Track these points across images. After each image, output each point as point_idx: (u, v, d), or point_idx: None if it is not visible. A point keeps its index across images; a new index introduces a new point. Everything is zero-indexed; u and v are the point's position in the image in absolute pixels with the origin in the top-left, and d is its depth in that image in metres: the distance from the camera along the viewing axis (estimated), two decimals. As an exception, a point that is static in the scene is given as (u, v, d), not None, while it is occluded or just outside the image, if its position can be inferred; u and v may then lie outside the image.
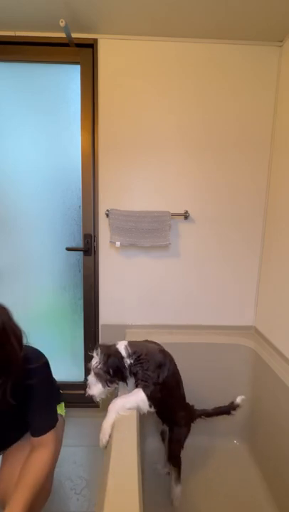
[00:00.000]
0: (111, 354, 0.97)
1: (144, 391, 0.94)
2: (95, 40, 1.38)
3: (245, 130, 1.44)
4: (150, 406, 0.94)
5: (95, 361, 0.96)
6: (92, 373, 0.97)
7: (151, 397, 0.95)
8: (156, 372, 0.99)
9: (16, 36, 1.38)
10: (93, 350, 1.00)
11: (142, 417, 0.99)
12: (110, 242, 1.46)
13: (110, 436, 0.86)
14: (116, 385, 1.00)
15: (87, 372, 0.98)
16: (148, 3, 1.17)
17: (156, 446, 1.39)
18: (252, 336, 1.54)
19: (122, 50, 1.38)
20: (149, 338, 1.15)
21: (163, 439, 1.27)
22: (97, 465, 1.36)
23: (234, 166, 1.47)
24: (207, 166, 1.47)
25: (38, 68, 1.45)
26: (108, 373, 0.95)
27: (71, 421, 1.63)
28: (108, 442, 0.87)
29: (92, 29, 1.34)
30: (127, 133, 1.43)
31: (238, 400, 1.18)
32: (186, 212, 1.47)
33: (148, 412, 0.95)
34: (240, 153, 1.46)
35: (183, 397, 1.17)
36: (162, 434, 1.27)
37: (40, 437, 0.87)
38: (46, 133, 1.50)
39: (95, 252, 1.55)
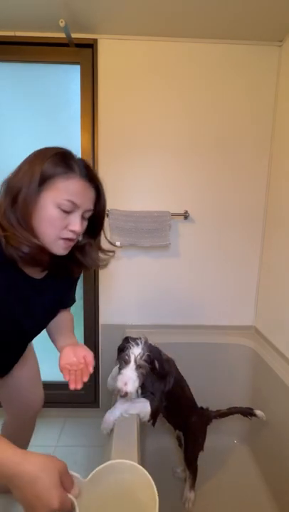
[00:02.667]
0: (151, 344, 0.86)
1: (150, 405, 0.91)
2: (95, 41, 1.37)
3: (245, 130, 1.44)
4: (148, 421, 0.92)
5: (138, 352, 0.82)
6: (131, 366, 0.82)
7: (153, 413, 0.92)
8: (162, 383, 0.96)
9: (15, 36, 1.38)
10: (128, 341, 0.87)
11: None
12: (110, 242, 1.46)
13: (111, 434, 0.86)
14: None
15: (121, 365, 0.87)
16: (148, 4, 1.16)
17: (170, 448, 1.39)
18: (252, 335, 1.54)
19: (122, 50, 1.38)
20: (149, 338, 1.14)
21: (179, 445, 1.25)
22: (97, 465, 1.36)
23: (234, 166, 1.47)
24: (207, 166, 1.47)
25: (38, 68, 1.45)
26: (153, 366, 0.82)
27: (71, 421, 1.63)
28: (110, 434, 0.87)
29: (91, 29, 1.34)
30: (127, 133, 1.43)
31: (258, 412, 1.19)
32: (186, 212, 1.47)
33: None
34: (240, 154, 1.46)
35: (192, 401, 1.16)
36: (178, 439, 1.25)
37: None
38: (46, 133, 1.50)
39: (95, 252, 1.55)
